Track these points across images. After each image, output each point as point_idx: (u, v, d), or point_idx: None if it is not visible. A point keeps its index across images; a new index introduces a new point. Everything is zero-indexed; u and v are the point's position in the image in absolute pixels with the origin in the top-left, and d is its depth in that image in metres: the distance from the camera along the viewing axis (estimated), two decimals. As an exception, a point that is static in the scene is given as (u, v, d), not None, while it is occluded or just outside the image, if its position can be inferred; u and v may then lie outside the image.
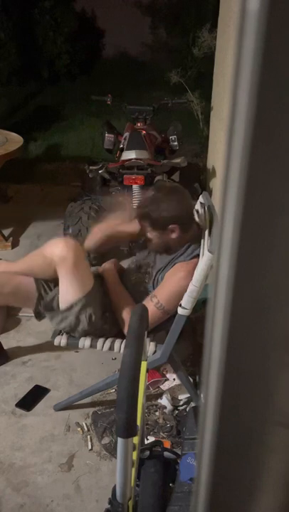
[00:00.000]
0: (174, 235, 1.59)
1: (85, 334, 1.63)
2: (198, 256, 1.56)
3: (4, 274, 1.70)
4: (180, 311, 1.46)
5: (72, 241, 1.59)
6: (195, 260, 1.56)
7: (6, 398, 1.88)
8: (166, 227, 1.57)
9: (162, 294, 1.58)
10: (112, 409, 1.81)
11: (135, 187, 2.70)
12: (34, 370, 2.02)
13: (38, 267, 1.65)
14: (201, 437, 0.35)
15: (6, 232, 3.17)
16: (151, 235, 1.62)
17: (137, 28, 6.73)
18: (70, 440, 1.70)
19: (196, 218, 1.72)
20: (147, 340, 1.40)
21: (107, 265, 1.81)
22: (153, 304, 1.56)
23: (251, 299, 0.29)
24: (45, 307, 1.65)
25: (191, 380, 1.82)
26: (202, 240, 1.54)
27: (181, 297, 1.48)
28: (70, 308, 1.58)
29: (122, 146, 2.94)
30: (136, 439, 0.90)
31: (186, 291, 1.45)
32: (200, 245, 1.59)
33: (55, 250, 1.54)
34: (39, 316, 1.70)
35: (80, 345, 1.62)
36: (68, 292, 1.58)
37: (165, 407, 1.81)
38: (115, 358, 2.02)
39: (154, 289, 1.67)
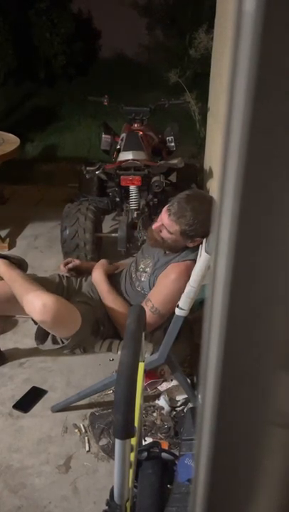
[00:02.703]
0: (191, 244, 1.59)
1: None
2: (191, 260, 1.56)
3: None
4: (177, 311, 1.46)
5: (51, 302, 1.45)
6: (187, 262, 1.57)
7: (3, 400, 1.87)
8: (193, 238, 1.57)
9: (156, 298, 1.58)
10: (109, 410, 1.81)
11: (132, 188, 2.70)
12: (31, 372, 2.02)
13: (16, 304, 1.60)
14: (198, 438, 0.35)
15: (3, 233, 3.16)
16: (168, 234, 1.58)
17: (133, 29, 6.74)
18: (68, 441, 1.70)
19: None
20: (145, 341, 1.40)
21: (95, 274, 1.81)
22: (148, 308, 1.56)
23: (248, 300, 0.29)
24: (37, 335, 1.64)
25: (189, 380, 1.82)
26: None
27: (174, 299, 1.48)
28: (61, 347, 1.59)
29: (118, 147, 2.95)
30: (133, 441, 0.90)
31: (178, 293, 1.45)
32: (195, 249, 1.59)
33: (33, 314, 1.48)
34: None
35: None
36: (55, 333, 1.58)
37: (163, 408, 1.81)
38: (113, 359, 2.02)
39: (149, 288, 1.67)
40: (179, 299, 1.44)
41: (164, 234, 1.60)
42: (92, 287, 1.81)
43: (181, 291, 1.44)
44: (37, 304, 1.46)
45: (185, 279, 1.46)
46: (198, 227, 1.53)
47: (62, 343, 1.58)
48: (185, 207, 1.53)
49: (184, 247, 1.62)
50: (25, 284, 1.58)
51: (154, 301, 1.58)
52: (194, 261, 1.53)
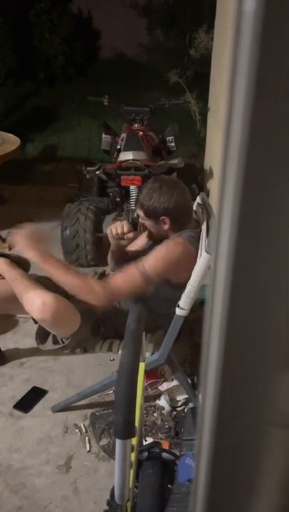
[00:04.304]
0: (166, 227, 1.60)
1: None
2: (188, 237, 1.55)
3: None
4: (178, 311, 1.46)
5: (50, 300, 1.47)
6: (182, 238, 1.55)
7: (3, 400, 1.87)
8: (157, 218, 1.59)
9: (148, 261, 1.52)
10: (110, 410, 1.81)
11: (132, 188, 2.70)
12: (32, 372, 2.02)
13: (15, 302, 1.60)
14: (199, 438, 0.35)
15: (3, 233, 3.16)
16: (146, 223, 1.65)
17: (133, 29, 6.74)
18: (68, 442, 1.70)
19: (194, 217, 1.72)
20: (145, 341, 1.40)
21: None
22: (137, 268, 1.50)
23: (249, 300, 0.29)
24: (38, 335, 1.64)
25: (190, 380, 1.82)
26: (200, 241, 1.54)
27: (165, 267, 1.49)
28: (62, 347, 1.60)
29: (119, 147, 2.94)
30: (134, 441, 0.90)
31: (172, 262, 1.47)
32: (194, 234, 1.59)
33: (33, 313, 1.49)
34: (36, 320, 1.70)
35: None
36: (54, 332, 1.59)
37: (163, 408, 1.81)
38: (113, 359, 2.02)
39: None
40: (170, 271, 1.47)
41: (146, 224, 1.65)
42: None
43: (175, 262, 1.46)
44: (36, 302, 1.46)
45: (180, 251, 1.47)
46: (155, 205, 1.56)
47: (63, 343, 1.58)
48: (140, 193, 1.64)
49: (166, 231, 1.63)
50: (25, 282, 1.59)
51: (144, 264, 1.51)
52: (188, 239, 1.53)
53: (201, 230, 1.60)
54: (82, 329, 1.56)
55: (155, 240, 1.71)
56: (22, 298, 1.53)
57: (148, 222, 1.64)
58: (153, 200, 1.56)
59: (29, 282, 1.59)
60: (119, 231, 1.68)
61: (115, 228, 1.69)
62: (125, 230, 1.67)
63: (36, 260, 1.52)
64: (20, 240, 1.54)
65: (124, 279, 1.48)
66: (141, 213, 1.63)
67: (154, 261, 1.51)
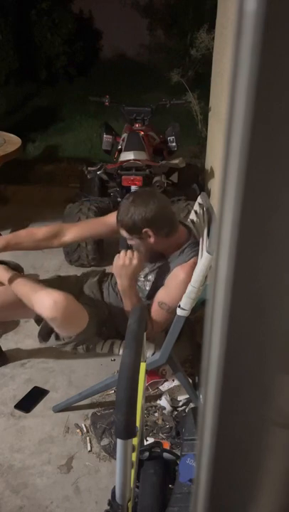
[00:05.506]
0: (151, 239, 1.54)
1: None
2: (195, 256, 1.55)
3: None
4: (179, 311, 1.46)
5: (61, 299, 1.48)
6: (193, 260, 1.55)
7: (4, 400, 1.87)
8: (140, 232, 1.53)
9: (165, 296, 1.56)
10: (111, 410, 1.81)
11: (134, 188, 2.70)
12: (33, 372, 2.02)
13: (21, 308, 1.61)
14: (200, 438, 0.35)
15: (5, 233, 3.15)
16: (134, 243, 1.58)
17: (134, 30, 6.76)
18: (69, 441, 1.70)
19: (194, 219, 1.71)
20: (146, 341, 1.40)
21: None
22: (157, 305, 1.56)
23: (250, 300, 0.29)
24: (41, 334, 1.65)
25: (190, 380, 1.82)
26: (201, 241, 1.54)
27: (184, 292, 1.48)
28: (64, 344, 1.60)
29: (120, 147, 2.95)
30: (135, 441, 0.90)
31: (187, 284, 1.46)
32: (196, 245, 1.58)
33: (44, 312, 1.49)
34: (39, 321, 1.70)
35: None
36: (62, 332, 1.59)
37: (164, 408, 1.81)
38: (114, 359, 2.02)
39: (151, 297, 1.65)
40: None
41: (134, 245, 1.59)
42: (93, 289, 1.81)
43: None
44: (47, 301, 1.47)
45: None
46: (134, 218, 1.50)
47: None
48: (118, 212, 1.56)
49: (155, 243, 1.57)
50: (30, 283, 1.60)
51: (163, 299, 1.55)
52: (196, 255, 1.52)
53: (196, 237, 1.60)
54: (88, 328, 1.57)
55: (155, 256, 1.66)
56: (30, 299, 1.53)
57: (134, 242, 1.57)
58: (130, 214, 1.50)
59: (33, 283, 1.60)
60: (127, 262, 1.55)
61: (123, 260, 1.55)
62: (131, 255, 1.55)
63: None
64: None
65: (157, 323, 1.57)
66: (124, 233, 1.56)
67: (172, 296, 1.54)
